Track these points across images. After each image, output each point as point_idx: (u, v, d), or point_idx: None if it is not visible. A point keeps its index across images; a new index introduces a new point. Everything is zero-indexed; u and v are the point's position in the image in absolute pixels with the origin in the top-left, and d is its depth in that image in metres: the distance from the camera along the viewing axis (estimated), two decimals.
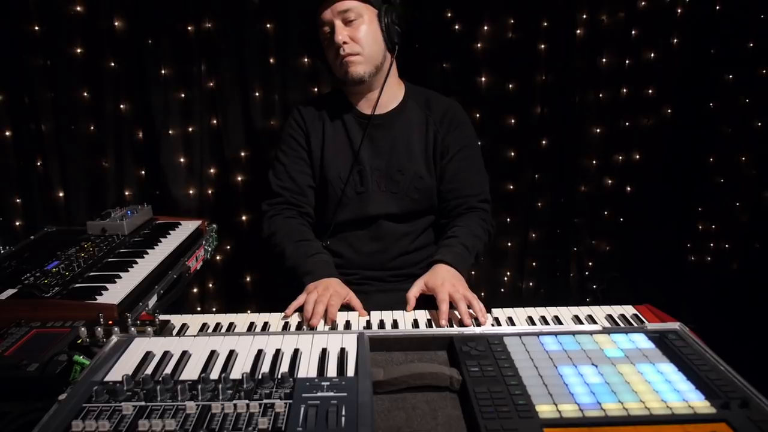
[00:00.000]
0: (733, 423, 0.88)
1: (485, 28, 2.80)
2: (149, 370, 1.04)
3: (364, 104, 1.83)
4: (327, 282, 1.57)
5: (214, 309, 2.96)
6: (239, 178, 2.83)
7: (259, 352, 1.10)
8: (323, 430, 0.84)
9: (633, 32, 2.90)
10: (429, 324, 1.42)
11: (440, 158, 1.84)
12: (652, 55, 2.95)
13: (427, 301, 1.51)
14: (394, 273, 1.87)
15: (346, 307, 1.53)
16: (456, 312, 1.42)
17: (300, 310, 1.47)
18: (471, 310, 1.42)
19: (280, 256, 1.74)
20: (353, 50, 1.69)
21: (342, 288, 1.57)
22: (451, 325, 1.39)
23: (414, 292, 1.52)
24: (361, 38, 1.69)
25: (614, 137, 3.04)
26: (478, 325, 1.38)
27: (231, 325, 1.41)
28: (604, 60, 2.93)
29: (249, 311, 1.48)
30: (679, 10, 2.90)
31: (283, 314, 1.46)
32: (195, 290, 2.91)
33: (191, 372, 1.04)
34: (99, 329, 1.20)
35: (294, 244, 1.72)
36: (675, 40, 2.94)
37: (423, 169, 1.82)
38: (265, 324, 1.42)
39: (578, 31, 2.86)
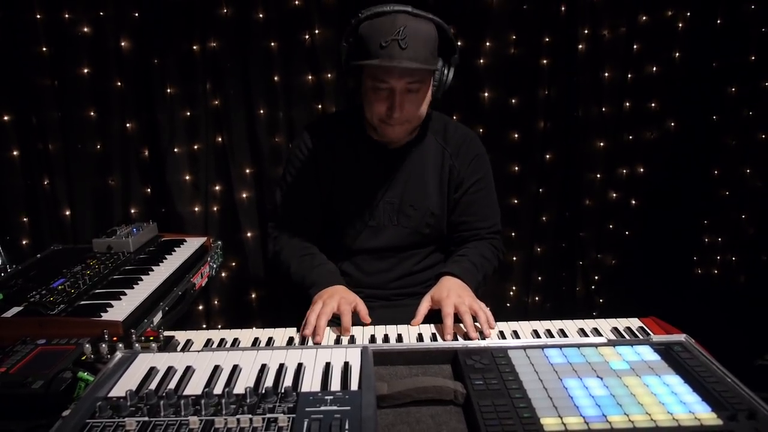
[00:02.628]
0: None
1: (487, 44, 2.82)
2: (153, 386, 1.04)
3: None
4: (332, 290, 1.56)
5: (219, 326, 2.95)
6: (244, 195, 2.85)
7: (263, 366, 1.10)
8: None
9: (635, 46, 2.92)
10: (433, 338, 1.42)
11: (454, 191, 1.78)
12: (655, 68, 2.96)
13: (433, 316, 1.50)
14: (398, 292, 1.83)
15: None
16: (461, 325, 1.42)
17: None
18: (477, 323, 1.42)
19: (286, 273, 1.74)
20: (402, 119, 1.58)
21: (348, 294, 1.56)
22: (456, 339, 1.39)
23: (422, 310, 1.51)
24: (416, 109, 1.58)
25: (618, 151, 3.04)
26: (483, 338, 1.38)
27: (235, 341, 1.41)
28: (606, 74, 2.95)
29: (254, 328, 1.47)
30: (680, 24, 2.92)
31: (300, 334, 1.45)
32: (200, 307, 2.92)
33: (195, 387, 1.04)
34: (103, 346, 1.20)
35: (299, 258, 1.72)
36: (677, 54, 2.95)
37: (436, 206, 1.76)
38: (270, 339, 1.42)
39: (580, 46, 2.87)
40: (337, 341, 1.41)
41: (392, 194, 1.74)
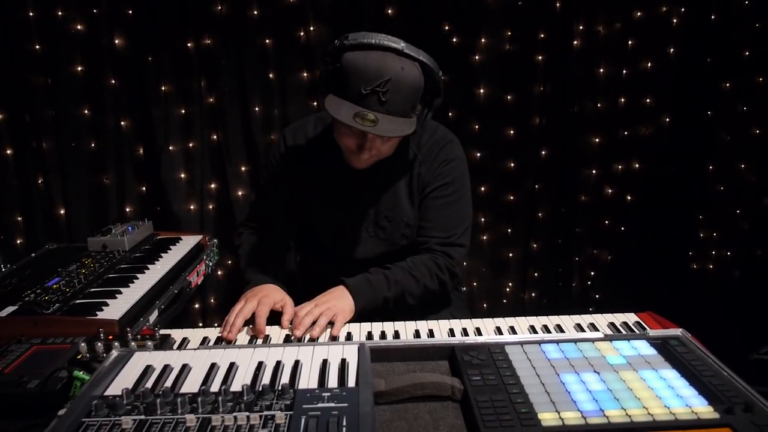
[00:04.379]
0: (737, 428, 0.88)
1: (483, 40, 2.82)
2: (149, 384, 1.04)
3: None
4: (258, 289, 1.55)
5: (216, 324, 2.92)
6: (240, 193, 2.84)
7: (260, 364, 1.09)
8: None
9: (630, 42, 2.92)
10: (430, 334, 1.42)
11: (419, 194, 1.69)
12: (650, 64, 2.96)
13: (430, 313, 1.50)
14: None
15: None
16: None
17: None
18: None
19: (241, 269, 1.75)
20: (372, 157, 1.52)
21: (275, 292, 1.53)
22: (453, 335, 1.39)
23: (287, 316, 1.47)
24: (387, 149, 1.53)
25: (613, 146, 3.04)
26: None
27: None
28: (601, 70, 2.95)
29: (251, 325, 1.47)
30: (674, 20, 2.92)
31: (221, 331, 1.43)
32: (197, 305, 2.91)
33: (191, 385, 1.03)
34: (99, 344, 1.20)
35: (250, 257, 1.72)
36: (671, 50, 2.96)
37: (410, 216, 1.69)
38: (266, 337, 1.42)
39: (575, 42, 2.88)
40: (334, 338, 1.41)
41: (365, 205, 1.69)
